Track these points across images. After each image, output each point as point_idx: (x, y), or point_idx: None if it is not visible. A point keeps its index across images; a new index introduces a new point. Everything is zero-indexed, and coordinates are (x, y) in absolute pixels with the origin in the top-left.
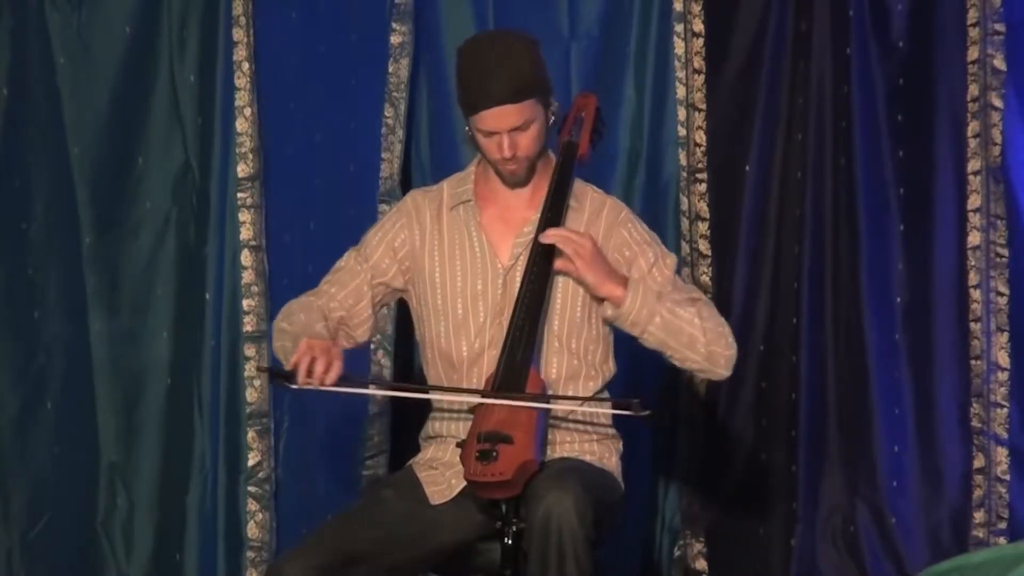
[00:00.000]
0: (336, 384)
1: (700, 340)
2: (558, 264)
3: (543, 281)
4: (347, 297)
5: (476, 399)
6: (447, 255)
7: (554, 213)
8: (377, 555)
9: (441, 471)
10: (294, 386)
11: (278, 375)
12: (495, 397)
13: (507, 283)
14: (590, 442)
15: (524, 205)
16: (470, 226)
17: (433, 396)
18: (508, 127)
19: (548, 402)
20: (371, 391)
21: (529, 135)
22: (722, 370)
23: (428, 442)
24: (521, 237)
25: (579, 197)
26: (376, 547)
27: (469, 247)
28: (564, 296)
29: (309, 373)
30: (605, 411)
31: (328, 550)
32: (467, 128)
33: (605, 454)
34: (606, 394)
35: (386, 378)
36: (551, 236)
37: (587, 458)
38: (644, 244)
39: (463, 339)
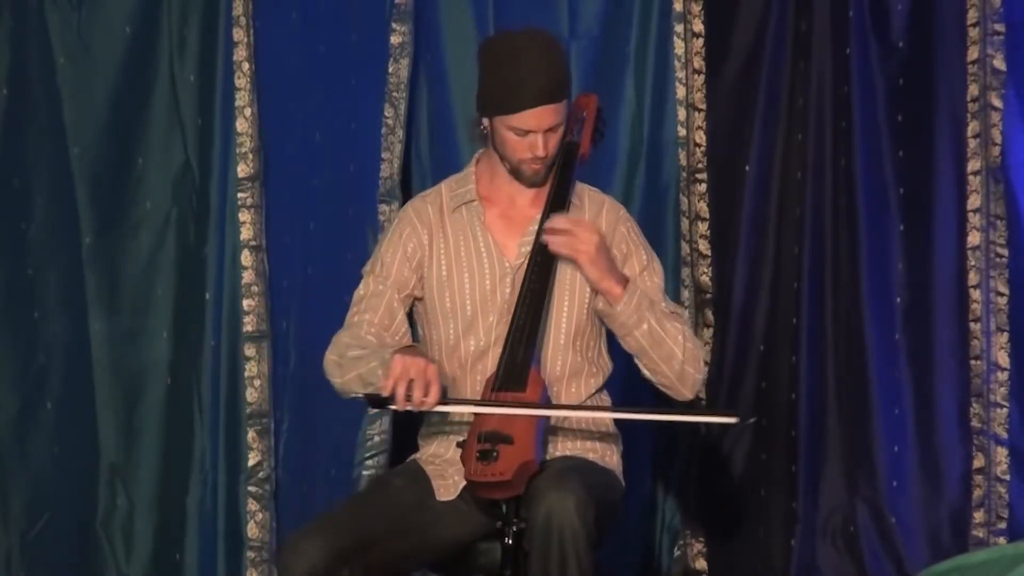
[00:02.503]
0: (440, 405)
1: (678, 357)
2: (562, 251)
3: (544, 281)
4: (382, 319)
5: (564, 413)
6: (453, 256)
7: (556, 213)
8: (386, 542)
9: (444, 467)
10: (391, 407)
11: (375, 400)
12: (621, 412)
13: (515, 282)
14: (592, 440)
15: (528, 203)
16: (475, 226)
17: (557, 413)
18: (547, 126)
19: (653, 415)
20: (471, 409)
21: (558, 135)
22: (687, 391)
23: (429, 439)
24: (527, 236)
25: (579, 196)
26: (386, 534)
27: (475, 247)
28: (572, 293)
29: (408, 399)
30: (704, 420)
31: (344, 532)
32: (483, 126)
33: (607, 452)
34: (605, 393)
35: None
36: (559, 223)
37: (589, 456)
38: (639, 245)
39: (471, 339)
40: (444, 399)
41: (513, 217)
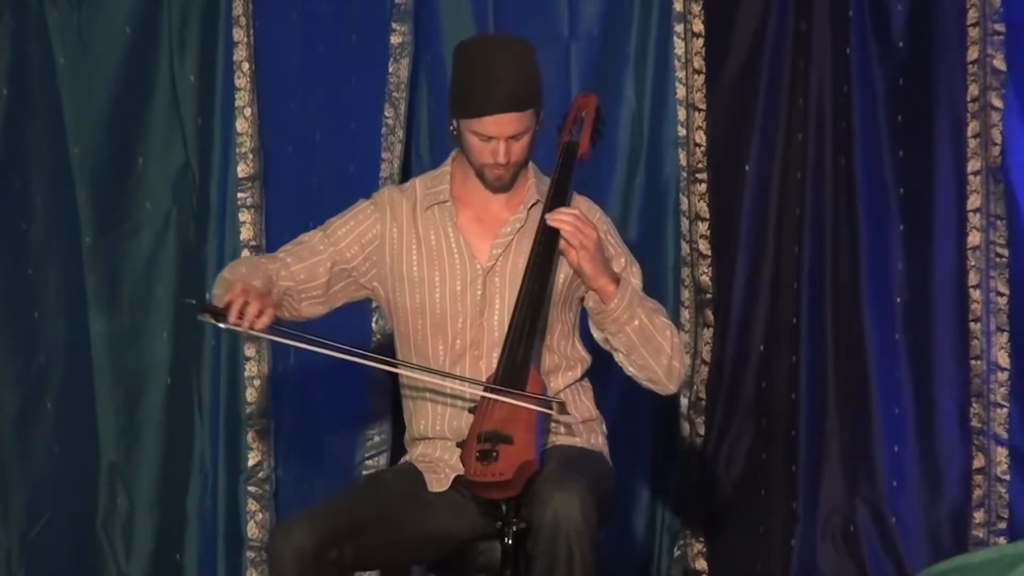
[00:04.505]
0: (268, 332)
1: (666, 352)
2: (562, 244)
3: (544, 280)
4: (300, 271)
5: (403, 371)
6: (424, 254)
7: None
8: (377, 528)
9: (436, 463)
10: (222, 325)
11: (208, 310)
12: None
13: (486, 284)
14: (576, 424)
15: (502, 206)
16: (447, 226)
17: (362, 362)
18: (508, 134)
19: (489, 393)
20: (303, 345)
21: (522, 143)
22: (673, 385)
23: (414, 444)
24: (500, 238)
25: None
26: (377, 519)
27: (447, 248)
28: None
29: (241, 315)
30: (526, 405)
31: (336, 517)
32: (452, 128)
33: (591, 436)
34: (586, 380)
35: (386, 379)
36: (561, 220)
37: (577, 442)
38: (619, 248)
39: (440, 339)
40: (274, 328)
41: (486, 220)
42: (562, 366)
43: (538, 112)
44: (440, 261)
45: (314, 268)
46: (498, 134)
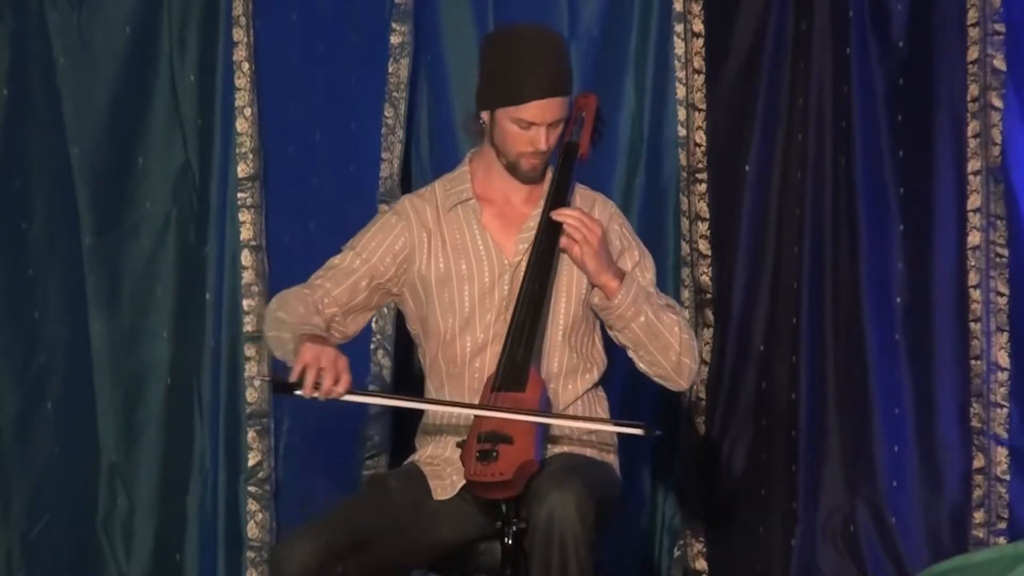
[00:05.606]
0: (347, 395)
1: (675, 348)
2: (563, 242)
3: (543, 280)
4: (342, 294)
5: (493, 414)
6: (451, 254)
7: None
8: (382, 541)
9: (443, 467)
10: (297, 392)
11: (282, 386)
12: (507, 411)
13: (514, 279)
14: (588, 435)
15: (523, 201)
16: (472, 224)
17: (444, 408)
18: (551, 119)
19: (569, 421)
20: (381, 400)
21: (559, 131)
22: (684, 381)
23: (426, 440)
24: (525, 233)
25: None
26: (382, 533)
27: (473, 245)
28: (568, 292)
29: (316, 386)
30: (613, 430)
31: (337, 531)
32: (482, 119)
33: (603, 449)
34: (601, 389)
35: (386, 380)
36: (565, 215)
37: (587, 452)
38: (632, 241)
39: (468, 336)
40: (353, 390)
41: (509, 215)
42: (580, 368)
43: (571, 100)
44: (467, 259)
45: (354, 287)
46: (541, 120)
